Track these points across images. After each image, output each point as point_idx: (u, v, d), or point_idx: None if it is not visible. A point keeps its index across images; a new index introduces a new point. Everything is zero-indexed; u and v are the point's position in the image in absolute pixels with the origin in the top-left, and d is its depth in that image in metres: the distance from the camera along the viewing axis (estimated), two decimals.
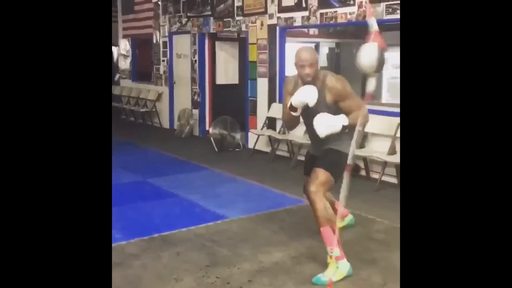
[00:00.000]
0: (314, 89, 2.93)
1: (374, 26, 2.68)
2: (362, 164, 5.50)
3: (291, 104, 2.99)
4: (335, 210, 3.17)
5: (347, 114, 2.97)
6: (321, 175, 3.05)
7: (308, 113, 3.05)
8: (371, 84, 2.73)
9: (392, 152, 5.04)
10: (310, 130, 3.19)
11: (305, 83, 3.02)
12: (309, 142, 5.70)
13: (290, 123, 3.31)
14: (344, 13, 5.50)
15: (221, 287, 2.82)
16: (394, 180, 5.12)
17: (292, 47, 8.03)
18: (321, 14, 5.84)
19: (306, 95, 2.93)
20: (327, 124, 2.91)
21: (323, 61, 9.47)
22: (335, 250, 2.91)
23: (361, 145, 5.33)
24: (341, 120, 2.93)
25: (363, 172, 5.50)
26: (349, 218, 3.77)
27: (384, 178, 5.07)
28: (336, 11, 5.63)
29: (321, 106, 2.99)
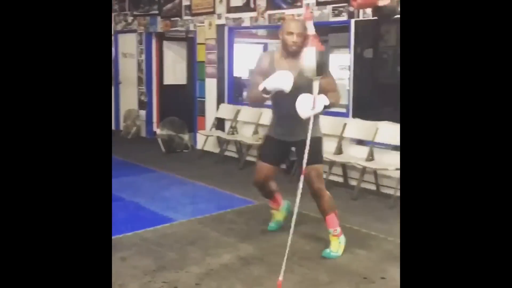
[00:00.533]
0: (290, 75, 2.86)
1: (311, 30, 2.75)
2: (340, 171, 5.19)
3: (264, 88, 2.92)
4: (276, 200, 3.62)
5: (325, 93, 2.88)
6: (320, 170, 3.21)
7: (283, 94, 2.94)
8: (315, 87, 2.77)
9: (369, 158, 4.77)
10: (284, 112, 3.14)
11: (288, 52, 3.03)
12: (257, 142, 5.69)
13: (256, 102, 3.36)
14: (292, 15, 5.54)
15: None
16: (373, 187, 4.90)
17: (241, 48, 8.06)
18: (269, 15, 5.86)
19: (282, 82, 2.86)
20: (311, 106, 2.80)
21: None
22: (338, 229, 3.26)
23: (338, 151, 5.06)
24: (323, 101, 2.86)
25: (341, 179, 5.20)
26: (285, 205, 3.73)
27: (363, 185, 4.82)
28: (284, 13, 5.66)
29: (300, 86, 2.86)
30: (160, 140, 6.90)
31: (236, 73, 6.92)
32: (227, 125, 6.48)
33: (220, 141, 6.46)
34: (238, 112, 6.34)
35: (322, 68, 2.71)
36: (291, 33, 2.99)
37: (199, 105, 7.10)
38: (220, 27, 6.55)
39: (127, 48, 8.48)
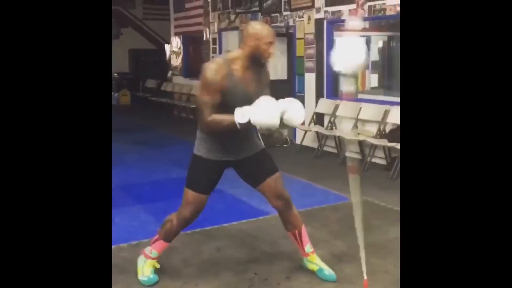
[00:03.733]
0: (277, 105, 2.40)
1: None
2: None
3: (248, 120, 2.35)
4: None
5: None
6: (281, 177, 2.80)
7: (235, 103, 2.44)
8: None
9: None
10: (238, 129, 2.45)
11: (258, 63, 2.52)
12: (356, 138, 5.56)
13: (217, 131, 2.52)
14: (393, 5, 5.33)
15: (259, 283, 2.82)
16: None
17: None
18: (369, 7, 5.69)
19: (273, 118, 2.35)
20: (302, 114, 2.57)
21: (374, 55, 9.23)
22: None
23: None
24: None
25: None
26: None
27: None
28: (385, 3, 5.46)
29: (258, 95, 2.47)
30: (259, 135, 7.03)
31: (336, 68, 6.82)
32: (326, 120, 6.42)
33: (319, 136, 6.43)
34: (336, 107, 6.26)
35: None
36: (270, 43, 2.46)
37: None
38: (319, 21, 6.50)
39: (230, 45, 8.76)
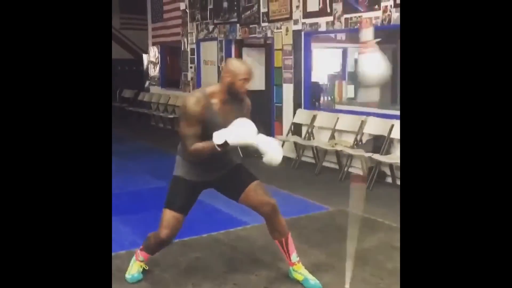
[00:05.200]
0: (252, 124, 2.54)
1: (369, 37, 2.63)
2: (388, 171, 5.41)
3: (225, 141, 2.47)
4: None
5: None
6: (263, 185, 2.86)
7: (214, 128, 2.55)
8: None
9: None
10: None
11: (235, 98, 2.64)
12: (333, 148, 5.62)
13: (201, 157, 2.63)
14: (369, 18, 5.44)
15: None
16: None
17: (318, 53, 8.03)
18: (346, 19, 5.80)
19: (249, 136, 2.49)
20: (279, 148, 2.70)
21: (351, 66, 9.38)
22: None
23: (386, 151, 5.26)
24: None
25: (389, 179, 5.41)
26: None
27: None
28: (361, 16, 5.57)
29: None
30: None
31: (313, 78, 6.91)
32: (304, 131, 6.48)
33: (297, 147, 6.48)
34: (314, 117, 6.32)
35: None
36: (246, 80, 2.59)
37: (276, 110, 7.16)
38: (297, 33, 6.58)
39: (208, 56, 8.78)
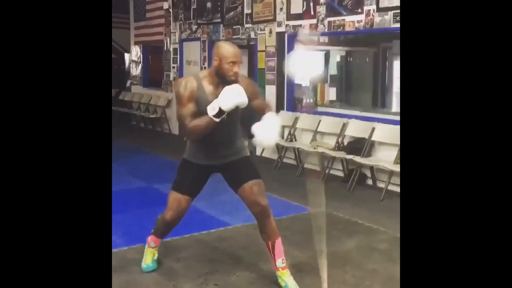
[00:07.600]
0: (241, 88, 2.52)
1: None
2: (368, 173, 5.47)
3: (220, 110, 2.49)
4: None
5: (260, 113, 2.77)
6: (263, 186, 2.84)
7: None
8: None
9: (398, 161, 5.02)
10: (214, 138, 2.71)
11: (226, 83, 2.59)
12: (316, 150, 5.66)
13: (200, 133, 2.62)
14: (352, 21, 5.50)
15: None
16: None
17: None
18: (329, 22, 5.84)
19: (239, 96, 2.49)
20: (275, 133, 2.73)
21: (333, 69, 9.44)
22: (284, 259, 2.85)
23: (367, 154, 5.31)
24: (275, 120, 2.76)
25: (369, 181, 5.47)
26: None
27: (390, 187, 5.04)
28: (344, 19, 5.63)
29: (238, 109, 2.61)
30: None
31: (296, 80, 6.95)
32: (286, 132, 6.50)
33: (278, 148, 6.50)
34: (296, 119, 6.35)
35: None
36: (234, 63, 2.58)
37: None
38: (280, 34, 6.61)
39: (191, 56, 8.75)
